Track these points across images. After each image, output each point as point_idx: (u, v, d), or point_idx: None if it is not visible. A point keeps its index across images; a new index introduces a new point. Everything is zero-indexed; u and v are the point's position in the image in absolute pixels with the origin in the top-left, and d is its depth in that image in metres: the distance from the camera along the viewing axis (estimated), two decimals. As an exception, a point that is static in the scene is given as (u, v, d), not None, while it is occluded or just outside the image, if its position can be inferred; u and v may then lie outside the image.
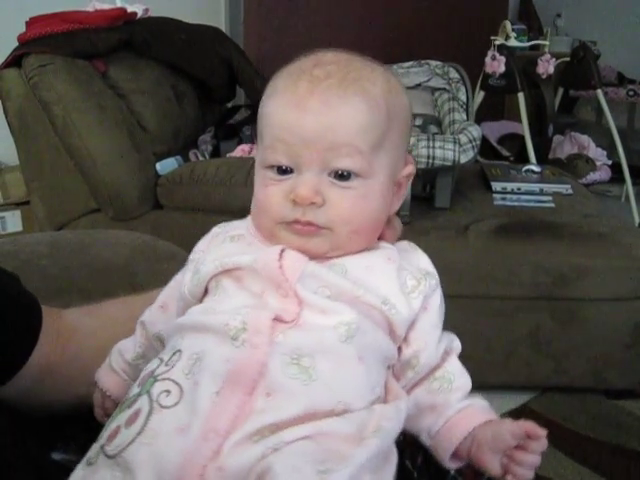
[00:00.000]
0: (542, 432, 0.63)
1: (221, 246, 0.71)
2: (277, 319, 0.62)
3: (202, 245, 0.74)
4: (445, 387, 0.69)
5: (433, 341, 0.69)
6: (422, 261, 0.73)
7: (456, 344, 0.73)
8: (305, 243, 0.66)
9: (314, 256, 0.66)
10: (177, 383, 0.60)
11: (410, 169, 0.72)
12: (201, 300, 0.69)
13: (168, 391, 0.60)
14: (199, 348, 0.62)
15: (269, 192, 0.67)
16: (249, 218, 0.73)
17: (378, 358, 0.65)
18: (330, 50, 0.70)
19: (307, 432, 0.57)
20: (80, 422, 0.78)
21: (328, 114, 0.64)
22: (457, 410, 0.67)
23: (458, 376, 0.70)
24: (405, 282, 0.68)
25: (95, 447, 0.60)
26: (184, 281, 0.71)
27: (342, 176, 0.65)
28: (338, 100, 0.64)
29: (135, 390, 0.63)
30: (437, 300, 0.70)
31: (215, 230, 0.75)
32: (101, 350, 0.79)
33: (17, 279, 0.82)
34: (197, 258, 0.72)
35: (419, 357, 0.68)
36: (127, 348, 0.76)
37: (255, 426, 0.57)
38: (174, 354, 0.63)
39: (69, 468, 0.59)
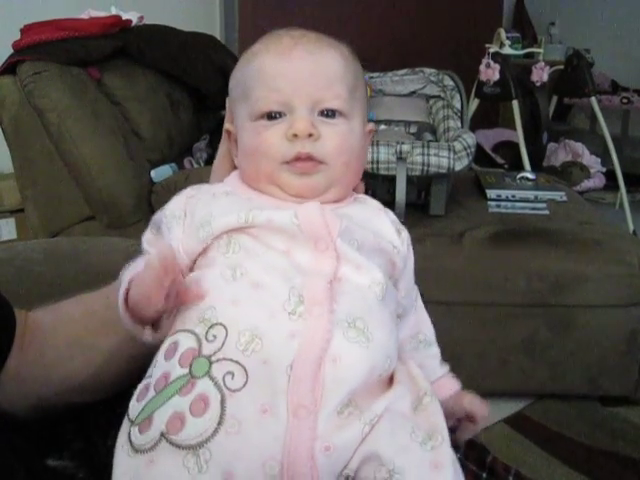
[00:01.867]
0: (486, 413, 0.76)
1: (218, 202, 0.71)
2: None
3: (178, 204, 0.72)
4: (426, 350, 0.79)
5: (414, 289, 0.80)
6: (390, 213, 0.78)
7: (418, 295, 0.82)
8: (306, 182, 0.71)
9: (314, 195, 0.71)
10: (238, 363, 0.60)
11: (371, 126, 0.80)
12: (194, 260, 0.69)
13: (231, 372, 0.59)
14: (249, 324, 0.61)
15: (265, 136, 0.71)
16: (227, 179, 0.77)
17: (394, 311, 0.71)
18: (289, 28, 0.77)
19: (386, 403, 0.62)
20: (75, 428, 0.77)
21: (313, 61, 0.72)
22: (437, 377, 0.78)
23: (433, 338, 0.80)
24: (397, 228, 0.76)
25: (140, 432, 0.59)
26: (174, 239, 0.69)
27: (328, 115, 0.72)
28: (319, 50, 0.73)
29: (178, 370, 0.61)
30: (412, 251, 0.78)
31: (188, 192, 0.74)
32: (60, 348, 0.79)
33: None
34: (179, 215, 0.71)
35: (405, 304, 0.77)
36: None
37: (338, 399, 0.59)
38: (211, 327, 0.62)
39: (64, 474, 0.59)
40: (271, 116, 0.71)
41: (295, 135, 0.69)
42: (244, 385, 0.59)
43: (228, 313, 0.62)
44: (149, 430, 0.59)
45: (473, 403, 0.77)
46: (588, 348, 2.04)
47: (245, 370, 0.59)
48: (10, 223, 2.83)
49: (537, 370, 2.07)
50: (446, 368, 0.80)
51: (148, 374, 0.64)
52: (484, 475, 0.81)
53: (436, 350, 0.80)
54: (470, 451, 0.83)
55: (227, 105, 0.79)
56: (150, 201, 2.20)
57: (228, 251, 0.66)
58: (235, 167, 0.79)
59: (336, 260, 0.66)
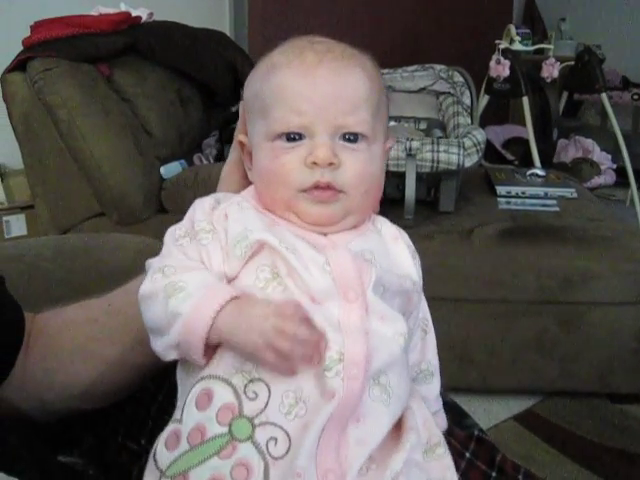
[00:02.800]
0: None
1: (248, 216, 0.67)
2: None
3: (203, 215, 0.68)
4: (426, 382, 0.75)
5: (423, 312, 0.76)
6: (405, 236, 0.76)
7: (428, 320, 0.78)
8: (324, 211, 0.67)
9: (331, 223, 0.68)
10: (282, 428, 0.57)
11: (392, 142, 0.76)
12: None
13: (275, 438, 0.57)
14: (292, 384, 0.58)
15: (283, 161, 0.67)
16: (244, 193, 0.73)
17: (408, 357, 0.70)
18: (310, 37, 0.72)
19: (404, 458, 0.62)
20: (85, 425, 0.78)
21: (338, 82, 0.67)
22: (433, 412, 0.74)
23: (435, 370, 0.76)
24: (411, 253, 0.73)
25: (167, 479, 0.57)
26: (214, 258, 0.64)
27: (351, 140, 0.68)
28: (345, 70, 0.68)
29: (217, 427, 0.58)
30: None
31: (210, 201, 0.70)
32: (63, 354, 0.79)
33: (2, 281, 0.82)
34: (210, 229, 0.66)
35: (411, 327, 0.73)
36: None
37: (362, 459, 0.59)
38: (251, 382, 0.59)
39: (74, 470, 0.59)
40: (290, 137, 0.67)
41: (315, 163, 0.66)
42: (287, 452, 0.57)
43: (269, 371, 0.59)
44: None
45: None
46: (598, 345, 2.03)
47: (288, 436, 0.57)
48: (20, 219, 2.84)
49: (547, 367, 2.07)
50: (440, 404, 0.77)
51: (175, 417, 0.61)
52: (493, 474, 0.81)
53: (436, 383, 0.77)
54: (479, 449, 0.82)
55: (240, 111, 0.76)
56: (160, 197, 2.21)
57: (268, 287, 0.62)
58: (246, 176, 0.76)
59: (365, 312, 0.63)
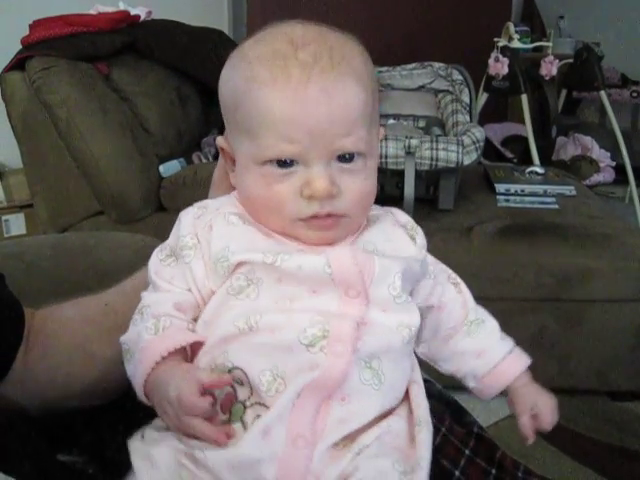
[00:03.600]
0: (553, 420, 0.75)
1: (235, 232, 0.66)
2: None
3: (188, 228, 0.67)
4: (482, 330, 0.75)
5: (442, 273, 0.78)
6: (401, 216, 0.75)
7: (452, 274, 0.80)
8: (324, 235, 0.65)
9: (333, 242, 0.66)
10: (264, 405, 0.60)
11: (382, 133, 0.73)
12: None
13: (259, 415, 0.59)
14: (267, 363, 0.60)
15: (277, 190, 0.64)
16: (234, 195, 0.71)
17: (412, 350, 0.70)
18: (293, 22, 0.69)
19: (378, 433, 0.61)
20: (84, 424, 0.78)
21: (330, 103, 0.61)
22: (502, 357, 0.74)
23: (483, 315, 0.77)
24: (411, 236, 0.73)
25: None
26: (198, 274, 0.65)
27: (346, 159, 0.64)
28: (336, 85, 0.62)
29: (221, 416, 0.61)
30: (425, 247, 0.75)
31: (195, 212, 0.69)
32: (62, 353, 0.79)
33: (2, 278, 0.82)
34: (194, 244, 0.66)
35: (435, 297, 0.75)
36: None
37: (339, 435, 0.60)
38: (230, 371, 0.61)
39: (74, 469, 0.59)
40: (281, 163, 0.63)
41: (312, 196, 0.63)
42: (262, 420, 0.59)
43: (242, 358, 0.61)
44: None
45: (540, 406, 0.77)
46: (597, 343, 2.03)
47: (268, 409, 0.59)
48: (19, 218, 2.84)
49: (546, 365, 2.07)
50: (509, 344, 0.76)
51: None
52: (493, 471, 0.81)
53: (491, 325, 0.77)
54: (479, 446, 0.83)
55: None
56: (159, 196, 2.21)
57: (241, 293, 0.63)
58: None
59: (366, 306, 0.63)
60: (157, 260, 0.69)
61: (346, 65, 0.64)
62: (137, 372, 0.62)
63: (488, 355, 0.74)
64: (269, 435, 0.58)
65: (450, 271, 0.78)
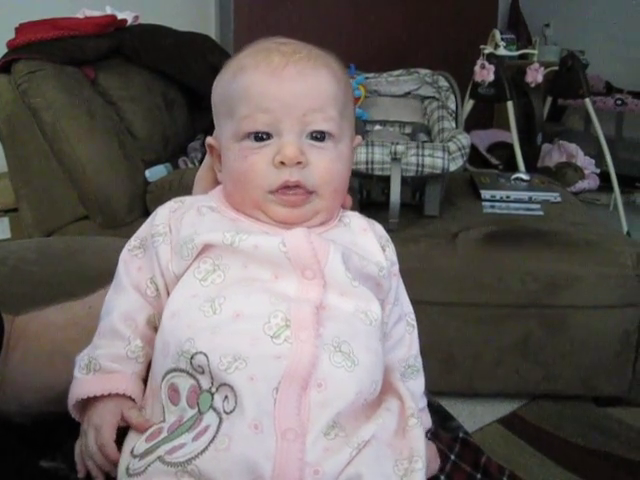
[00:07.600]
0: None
1: (203, 219, 0.70)
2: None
3: (162, 219, 0.72)
4: (414, 378, 0.76)
5: (403, 306, 0.77)
6: (377, 227, 0.77)
7: (412, 316, 0.79)
8: (292, 213, 0.70)
9: (300, 222, 0.70)
10: (227, 384, 0.60)
11: (359, 140, 0.78)
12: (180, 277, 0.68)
13: (226, 396, 0.60)
14: (230, 349, 0.61)
15: (252, 161, 0.69)
16: (212, 193, 0.76)
17: (382, 335, 0.70)
18: (277, 38, 0.74)
19: (374, 430, 0.63)
20: (68, 430, 0.77)
21: (304, 82, 0.69)
22: (419, 409, 0.73)
23: (420, 365, 0.77)
24: (382, 245, 0.74)
25: (139, 460, 0.60)
26: (162, 257, 0.69)
27: (318, 138, 0.70)
28: (311, 71, 0.70)
29: (189, 412, 0.62)
30: (397, 266, 0.76)
31: (172, 205, 0.73)
32: (42, 356, 0.79)
33: None
34: (165, 232, 0.70)
35: (393, 322, 0.75)
36: (103, 348, 0.69)
37: (324, 422, 0.60)
38: (192, 358, 0.62)
39: (57, 476, 0.58)
40: (258, 137, 0.69)
41: (282, 163, 0.68)
42: (235, 404, 0.59)
43: (206, 343, 0.62)
44: (148, 457, 0.60)
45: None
46: (582, 349, 2.04)
47: (233, 389, 0.59)
48: (4, 222, 2.82)
49: (531, 370, 2.08)
50: (424, 402, 0.78)
51: (159, 419, 0.64)
52: (478, 476, 0.81)
53: (422, 380, 0.78)
54: (464, 451, 0.83)
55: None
56: (145, 201, 2.20)
57: (207, 279, 0.66)
58: (217, 179, 0.78)
59: (323, 288, 0.66)
60: (126, 250, 0.74)
61: (322, 61, 0.72)
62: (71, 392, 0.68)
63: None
64: (260, 429, 0.58)
65: (413, 314, 0.79)
